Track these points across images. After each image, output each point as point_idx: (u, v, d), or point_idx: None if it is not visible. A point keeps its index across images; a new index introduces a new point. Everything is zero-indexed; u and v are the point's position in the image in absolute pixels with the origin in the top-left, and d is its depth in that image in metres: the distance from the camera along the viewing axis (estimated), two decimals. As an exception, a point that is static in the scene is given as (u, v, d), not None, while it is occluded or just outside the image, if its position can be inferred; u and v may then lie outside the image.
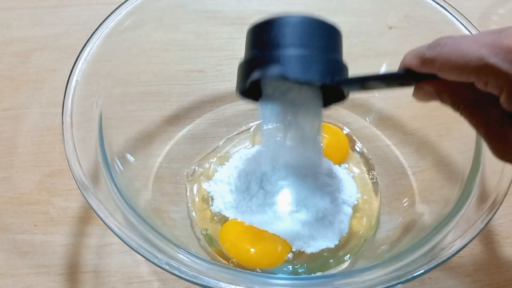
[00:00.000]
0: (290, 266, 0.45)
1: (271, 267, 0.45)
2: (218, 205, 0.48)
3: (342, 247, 0.46)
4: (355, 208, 0.48)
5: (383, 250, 0.43)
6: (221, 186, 0.49)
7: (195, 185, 0.51)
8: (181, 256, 0.33)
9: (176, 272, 0.32)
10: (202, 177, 0.51)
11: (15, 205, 0.50)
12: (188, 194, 0.50)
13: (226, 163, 0.51)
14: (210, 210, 0.48)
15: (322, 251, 0.45)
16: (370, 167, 0.52)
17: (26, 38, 0.63)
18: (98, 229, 0.48)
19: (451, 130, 0.45)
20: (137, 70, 0.48)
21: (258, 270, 0.44)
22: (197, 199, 0.50)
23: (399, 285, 0.32)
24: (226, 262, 0.45)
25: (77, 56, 0.41)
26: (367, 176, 0.52)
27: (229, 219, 0.47)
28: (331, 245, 0.45)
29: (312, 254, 0.45)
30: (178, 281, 0.45)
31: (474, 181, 0.38)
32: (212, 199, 0.49)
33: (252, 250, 0.45)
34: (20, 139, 0.54)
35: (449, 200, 0.39)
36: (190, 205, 0.49)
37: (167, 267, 0.32)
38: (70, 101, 0.39)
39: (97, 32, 0.42)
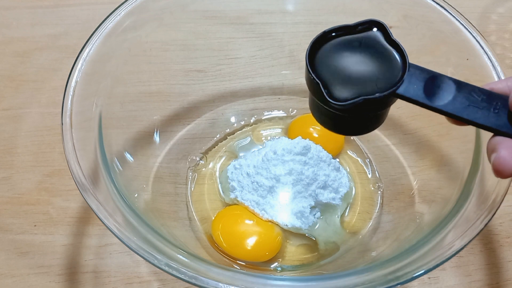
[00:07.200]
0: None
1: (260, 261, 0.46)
2: (227, 195, 0.49)
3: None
4: (346, 198, 0.50)
5: (382, 251, 0.43)
6: (230, 176, 0.49)
7: (196, 175, 0.52)
8: (181, 257, 0.33)
9: (175, 273, 0.32)
10: (204, 169, 0.52)
11: (15, 205, 0.50)
12: (189, 184, 0.51)
13: (232, 156, 0.52)
14: (220, 200, 0.50)
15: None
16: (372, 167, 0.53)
17: (26, 38, 0.63)
18: (98, 229, 0.48)
19: (451, 130, 0.44)
20: (137, 70, 0.48)
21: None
22: (194, 189, 0.51)
23: (399, 285, 0.32)
24: (230, 263, 0.45)
25: (76, 56, 0.41)
26: (368, 173, 0.52)
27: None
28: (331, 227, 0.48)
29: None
30: (178, 281, 0.45)
31: (474, 180, 0.38)
32: (224, 189, 0.50)
33: (243, 241, 0.46)
34: (20, 139, 0.54)
35: (449, 200, 0.39)
36: (189, 196, 0.50)
37: (166, 268, 0.32)
38: (69, 101, 0.39)
39: (96, 32, 0.42)
